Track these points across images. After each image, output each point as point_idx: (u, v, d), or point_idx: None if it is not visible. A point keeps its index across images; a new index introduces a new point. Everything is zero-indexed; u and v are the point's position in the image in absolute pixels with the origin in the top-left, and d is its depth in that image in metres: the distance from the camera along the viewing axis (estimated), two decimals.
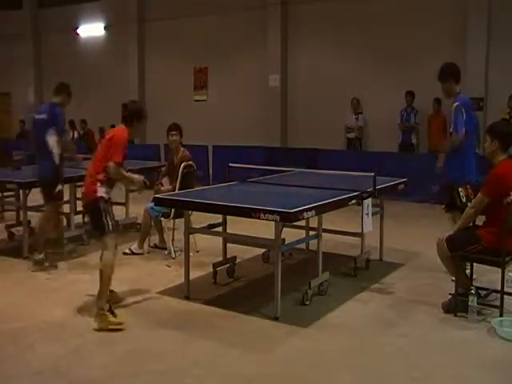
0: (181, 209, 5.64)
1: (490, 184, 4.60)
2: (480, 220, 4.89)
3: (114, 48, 16.02)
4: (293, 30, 13.15)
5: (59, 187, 6.13)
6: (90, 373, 3.77)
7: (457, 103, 5.43)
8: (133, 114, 4.84)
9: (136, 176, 4.95)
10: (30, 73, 17.60)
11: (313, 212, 4.63)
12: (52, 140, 6.01)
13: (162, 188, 6.64)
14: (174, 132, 6.78)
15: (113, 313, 4.44)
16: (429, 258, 6.09)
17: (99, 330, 4.39)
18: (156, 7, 15.06)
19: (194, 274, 5.48)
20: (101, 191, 4.60)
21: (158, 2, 15.01)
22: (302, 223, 5.93)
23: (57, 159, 6.08)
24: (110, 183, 4.70)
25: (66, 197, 7.23)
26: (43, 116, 6.13)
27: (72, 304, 4.99)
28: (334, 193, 5.21)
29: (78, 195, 6.31)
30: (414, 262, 6.33)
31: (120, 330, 4.39)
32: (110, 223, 4.57)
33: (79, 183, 6.56)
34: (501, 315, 4.57)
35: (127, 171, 4.94)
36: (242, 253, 6.17)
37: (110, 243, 4.56)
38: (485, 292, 5.01)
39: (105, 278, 4.51)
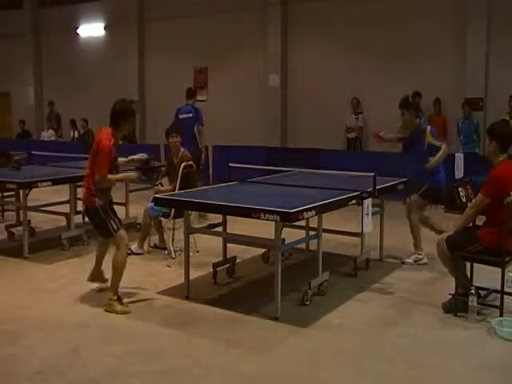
0: (181, 209, 5.64)
1: (489, 184, 4.60)
2: (480, 220, 4.89)
3: (114, 48, 16.00)
4: (293, 30, 13.14)
5: (203, 160, 8.59)
6: (89, 373, 3.77)
7: None
8: (120, 115, 4.81)
9: (127, 174, 5.26)
10: (29, 73, 17.56)
11: (313, 212, 4.63)
12: (198, 131, 8.63)
13: (162, 188, 6.64)
14: (174, 134, 6.85)
15: (121, 302, 4.79)
16: (429, 258, 6.11)
17: (106, 310, 4.79)
18: (156, 7, 15.04)
19: (194, 274, 5.48)
20: (98, 200, 4.81)
21: (158, 2, 15.00)
22: (302, 223, 5.93)
23: (201, 143, 8.64)
24: (105, 190, 4.89)
25: (65, 196, 7.28)
26: (189, 115, 8.60)
27: (71, 304, 5.00)
28: (334, 193, 5.20)
29: (79, 195, 6.32)
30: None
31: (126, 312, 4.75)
32: (114, 224, 4.83)
33: (79, 183, 6.56)
34: (501, 315, 4.57)
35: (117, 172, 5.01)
36: (242, 253, 6.17)
37: (121, 242, 4.84)
38: (485, 292, 5.01)
39: (117, 274, 4.82)
